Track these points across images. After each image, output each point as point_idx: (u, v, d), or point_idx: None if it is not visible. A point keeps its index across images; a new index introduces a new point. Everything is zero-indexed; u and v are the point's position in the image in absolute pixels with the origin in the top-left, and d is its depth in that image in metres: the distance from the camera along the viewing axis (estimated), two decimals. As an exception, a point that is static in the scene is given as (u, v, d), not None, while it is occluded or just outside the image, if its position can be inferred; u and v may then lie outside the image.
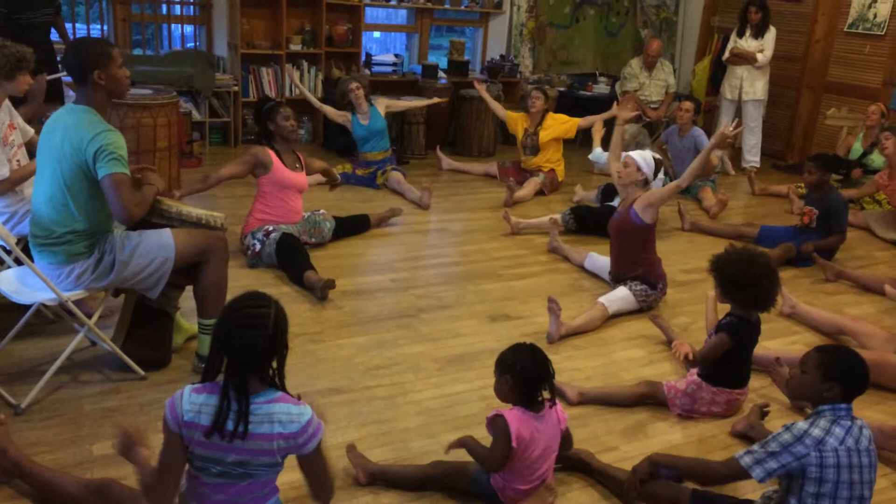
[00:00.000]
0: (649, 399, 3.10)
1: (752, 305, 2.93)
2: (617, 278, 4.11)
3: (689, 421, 3.01)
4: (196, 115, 6.61)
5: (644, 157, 3.99)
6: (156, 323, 3.06)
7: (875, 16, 7.13)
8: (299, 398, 1.91)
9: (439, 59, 8.11)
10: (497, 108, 6.52)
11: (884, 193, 5.66)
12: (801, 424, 2.12)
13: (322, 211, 4.63)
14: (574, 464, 2.63)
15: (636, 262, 4.00)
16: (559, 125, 6.10)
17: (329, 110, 6.08)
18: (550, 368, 2.33)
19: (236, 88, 6.71)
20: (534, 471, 2.35)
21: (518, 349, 2.36)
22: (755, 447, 2.16)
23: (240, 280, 3.92)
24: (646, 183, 3.99)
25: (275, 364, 1.89)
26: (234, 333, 1.81)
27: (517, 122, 6.29)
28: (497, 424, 2.29)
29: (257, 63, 6.84)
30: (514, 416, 2.29)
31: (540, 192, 6.10)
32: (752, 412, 2.94)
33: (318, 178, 5.88)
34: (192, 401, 1.83)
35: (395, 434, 2.77)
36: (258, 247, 4.19)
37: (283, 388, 1.90)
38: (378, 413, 2.90)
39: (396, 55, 7.68)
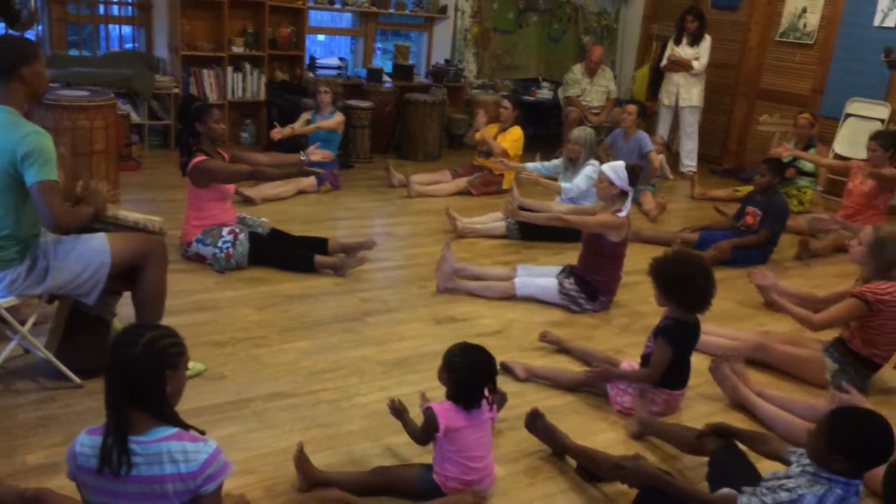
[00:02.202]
0: (592, 388, 3.18)
1: (688, 305, 3.00)
2: (571, 271, 4.16)
3: (629, 418, 3.07)
4: (135, 118, 6.47)
5: (615, 170, 3.92)
6: (92, 330, 2.99)
7: (805, 25, 7.41)
8: (203, 433, 1.82)
9: (384, 63, 8.11)
10: (490, 142, 6.17)
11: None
12: (810, 500, 2.02)
13: (263, 219, 4.58)
14: (551, 444, 2.76)
15: (600, 269, 4.06)
16: (513, 141, 6.13)
17: (293, 127, 6.08)
18: (493, 372, 2.41)
19: (177, 90, 6.59)
20: (469, 460, 2.40)
21: (466, 352, 2.42)
22: (755, 500, 2.12)
23: (180, 284, 3.86)
24: (623, 194, 3.94)
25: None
26: (110, 355, 1.75)
27: (486, 132, 6.27)
28: (426, 414, 2.42)
29: (199, 65, 6.74)
30: (441, 409, 2.40)
31: (467, 192, 6.15)
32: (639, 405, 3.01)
33: (300, 185, 5.77)
34: (84, 443, 1.77)
35: (339, 438, 2.77)
36: (230, 249, 4.16)
37: (179, 424, 1.80)
38: (322, 417, 2.89)
39: (341, 58, 7.65)
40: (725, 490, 2.29)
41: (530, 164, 5.64)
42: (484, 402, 2.43)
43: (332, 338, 3.55)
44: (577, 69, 7.72)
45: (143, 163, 6.21)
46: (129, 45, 7.04)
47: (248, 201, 5.36)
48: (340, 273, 4.29)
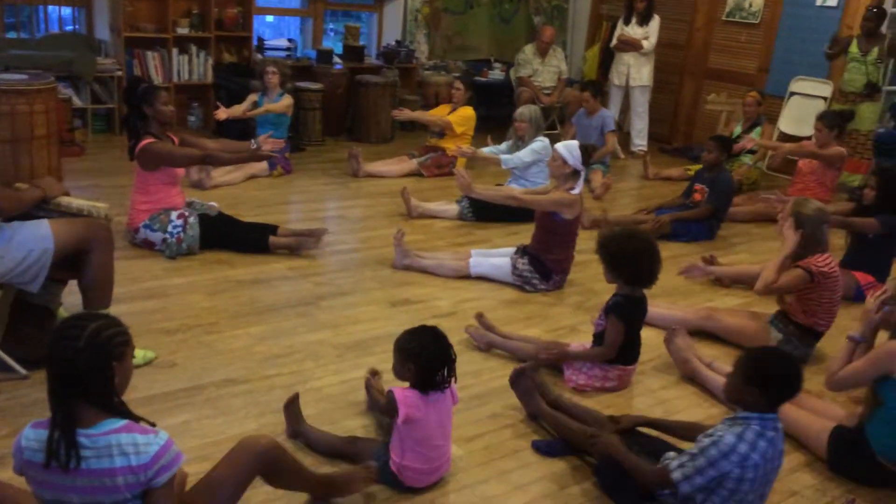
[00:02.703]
0: (549, 364, 3.23)
1: (636, 280, 3.06)
2: (525, 250, 4.17)
3: (583, 395, 3.11)
4: (77, 102, 6.29)
5: (569, 148, 3.93)
6: (37, 319, 2.91)
7: (750, 5, 7.53)
8: (153, 425, 1.80)
9: (334, 44, 8.01)
10: (428, 118, 6.33)
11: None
12: (729, 438, 2.14)
13: (212, 203, 4.50)
14: (527, 405, 2.87)
15: (553, 247, 4.09)
16: (462, 118, 6.15)
17: (240, 108, 5.91)
18: (451, 353, 2.39)
19: (120, 73, 6.42)
20: (429, 450, 2.40)
21: (420, 335, 2.39)
22: (686, 461, 2.19)
23: (128, 272, 3.79)
24: (575, 173, 3.95)
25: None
26: (49, 348, 1.70)
27: (438, 112, 6.34)
28: (388, 397, 2.39)
29: (143, 47, 6.57)
30: (403, 396, 2.36)
31: (418, 174, 6.14)
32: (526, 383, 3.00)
33: (251, 170, 5.66)
34: (29, 437, 1.73)
35: (295, 422, 2.76)
36: (181, 234, 4.10)
37: (129, 416, 1.77)
38: (277, 402, 2.85)
39: (290, 40, 7.54)
40: (672, 453, 2.37)
41: (485, 149, 5.65)
42: (447, 389, 2.40)
43: (285, 322, 3.53)
44: (529, 49, 7.74)
45: (86, 148, 6.05)
46: (69, 28, 6.83)
47: (197, 185, 5.27)
48: (298, 252, 4.27)
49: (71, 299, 3.09)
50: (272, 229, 4.38)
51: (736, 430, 2.17)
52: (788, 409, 2.85)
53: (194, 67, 6.79)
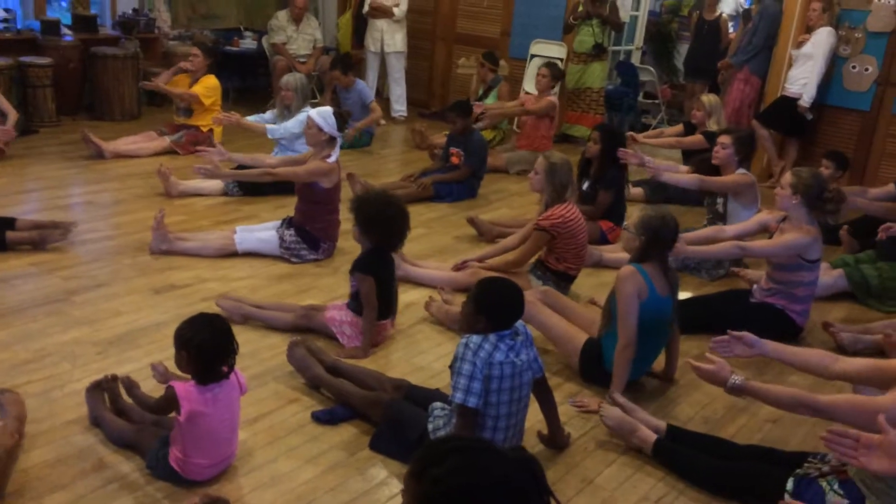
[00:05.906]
0: (308, 328, 3.25)
1: (386, 244, 3.18)
2: (290, 222, 4.11)
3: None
4: None
5: (323, 115, 3.90)
6: None
7: (490, -28, 7.89)
8: None
9: (62, 15, 7.24)
10: (176, 92, 5.87)
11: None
12: (475, 338, 2.30)
13: None
14: (306, 375, 2.87)
15: (316, 216, 4.05)
16: (207, 88, 5.80)
17: None
18: (233, 343, 2.29)
19: None
20: (215, 444, 2.31)
21: (196, 322, 2.27)
22: (454, 383, 2.30)
23: None
24: (332, 140, 3.94)
25: None
26: None
27: (178, 84, 5.91)
28: (167, 395, 2.26)
29: None
30: (184, 390, 2.23)
31: (173, 152, 5.81)
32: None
33: None
34: None
35: (55, 431, 2.53)
36: None
37: None
38: (32, 412, 2.59)
39: (7, 10, 6.68)
40: (438, 402, 2.54)
41: (250, 118, 5.43)
42: (232, 376, 2.31)
43: (33, 324, 3.19)
44: (282, 16, 7.52)
45: None
46: None
47: None
48: (42, 246, 3.87)
49: None
50: (8, 223, 3.92)
51: (479, 336, 2.32)
52: (550, 315, 3.11)
53: None
